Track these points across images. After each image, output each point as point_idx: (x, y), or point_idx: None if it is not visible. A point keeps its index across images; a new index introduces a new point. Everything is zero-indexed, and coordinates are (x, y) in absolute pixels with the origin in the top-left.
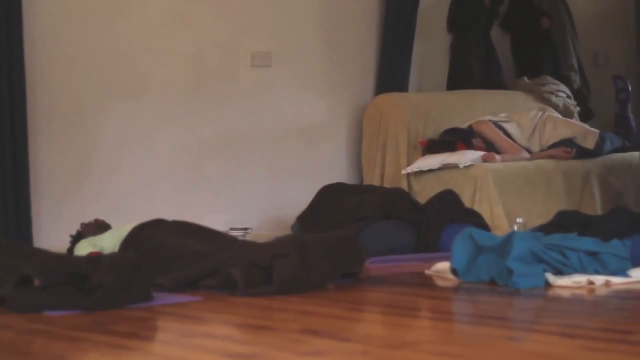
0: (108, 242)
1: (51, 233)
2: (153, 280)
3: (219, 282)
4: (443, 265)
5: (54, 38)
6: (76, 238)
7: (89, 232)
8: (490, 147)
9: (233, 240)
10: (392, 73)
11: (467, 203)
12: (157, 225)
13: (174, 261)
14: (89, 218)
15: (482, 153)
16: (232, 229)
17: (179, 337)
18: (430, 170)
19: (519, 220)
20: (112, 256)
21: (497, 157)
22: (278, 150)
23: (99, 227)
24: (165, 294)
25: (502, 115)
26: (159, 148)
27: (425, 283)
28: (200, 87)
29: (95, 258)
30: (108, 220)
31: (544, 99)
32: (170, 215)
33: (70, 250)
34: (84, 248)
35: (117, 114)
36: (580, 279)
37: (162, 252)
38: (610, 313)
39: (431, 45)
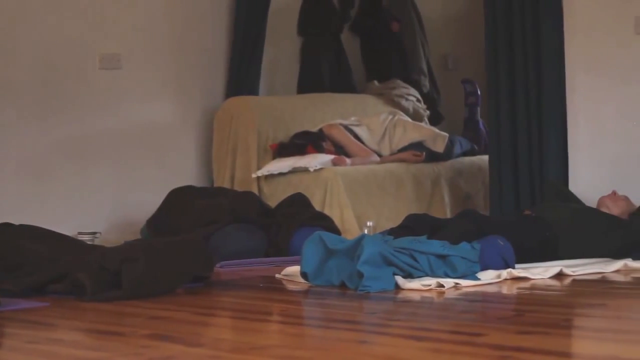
0: None
1: None
2: None
3: (66, 287)
4: (293, 269)
5: None
6: None
7: None
8: (340, 150)
9: (81, 244)
10: (242, 76)
11: (317, 206)
12: (3, 230)
13: (20, 266)
14: None
15: (332, 156)
16: (80, 233)
17: (25, 343)
18: (280, 174)
19: (369, 223)
20: None
21: (348, 160)
22: (127, 154)
23: None
24: (11, 300)
25: (353, 118)
26: (5, 151)
27: (276, 287)
28: (48, 90)
29: None
30: None
31: (394, 103)
32: (17, 219)
33: None
34: None
35: None
36: (430, 281)
37: (8, 256)
38: (459, 315)
39: (282, 48)
